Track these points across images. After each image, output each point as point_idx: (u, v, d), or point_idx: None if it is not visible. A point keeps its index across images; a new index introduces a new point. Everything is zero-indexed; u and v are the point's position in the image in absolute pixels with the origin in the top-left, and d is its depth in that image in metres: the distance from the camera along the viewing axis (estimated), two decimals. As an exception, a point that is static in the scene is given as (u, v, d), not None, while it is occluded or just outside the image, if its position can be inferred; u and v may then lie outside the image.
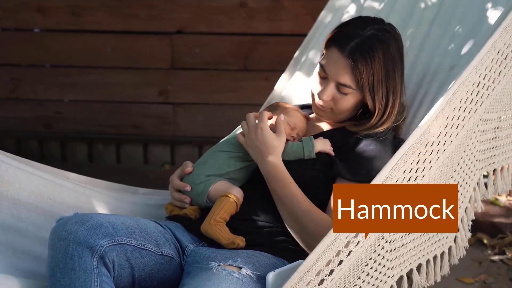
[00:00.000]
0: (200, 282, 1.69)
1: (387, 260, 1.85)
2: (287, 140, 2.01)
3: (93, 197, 2.17)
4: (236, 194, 1.96)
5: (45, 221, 1.98)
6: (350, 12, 2.55)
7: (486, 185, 2.14)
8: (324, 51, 2.03)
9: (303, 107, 2.25)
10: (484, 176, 2.13)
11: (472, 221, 3.25)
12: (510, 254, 3.13)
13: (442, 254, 2.05)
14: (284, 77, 2.58)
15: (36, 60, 3.86)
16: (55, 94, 3.89)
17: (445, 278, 2.94)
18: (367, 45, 1.94)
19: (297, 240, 1.94)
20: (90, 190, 2.17)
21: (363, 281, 1.79)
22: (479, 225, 3.30)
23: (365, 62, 1.93)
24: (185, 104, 3.84)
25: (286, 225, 1.95)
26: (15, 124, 3.94)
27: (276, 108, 2.12)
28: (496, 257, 3.13)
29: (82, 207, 2.10)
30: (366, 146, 1.98)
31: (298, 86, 2.54)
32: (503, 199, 3.48)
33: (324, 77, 2.01)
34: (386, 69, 1.96)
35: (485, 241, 3.22)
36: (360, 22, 2.01)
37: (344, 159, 1.98)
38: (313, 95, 2.07)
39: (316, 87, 2.04)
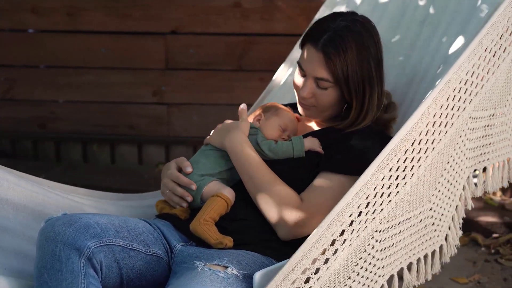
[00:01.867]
0: (185, 281, 1.69)
1: (378, 259, 1.85)
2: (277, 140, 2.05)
3: (82, 202, 2.17)
4: (227, 194, 1.96)
5: (33, 220, 1.97)
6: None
7: (476, 183, 2.13)
8: (301, 50, 2.06)
9: (295, 105, 2.27)
10: (474, 176, 2.13)
11: (467, 220, 3.27)
12: (504, 253, 3.13)
13: (433, 253, 2.05)
14: (278, 74, 2.60)
15: (31, 60, 3.86)
16: (50, 94, 3.89)
17: (439, 278, 2.95)
18: (339, 37, 1.97)
19: (266, 217, 1.95)
20: (76, 197, 2.18)
21: (354, 281, 1.79)
22: (474, 225, 3.30)
23: (337, 53, 1.95)
24: (180, 104, 3.84)
25: (255, 203, 1.96)
26: (10, 124, 3.94)
27: (269, 109, 2.14)
28: (490, 257, 3.12)
29: (72, 205, 2.09)
30: (351, 141, 2.00)
31: (291, 84, 2.55)
32: (497, 199, 3.49)
33: (303, 75, 2.04)
34: (360, 59, 1.97)
35: (479, 241, 3.22)
36: (331, 17, 2.04)
37: (331, 154, 2.00)
38: (297, 94, 2.10)
39: (297, 86, 2.07)
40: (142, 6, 3.72)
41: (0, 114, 3.93)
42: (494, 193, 3.52)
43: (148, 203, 2.32)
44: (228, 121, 2.10)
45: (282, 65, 2.62)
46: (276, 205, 1.92)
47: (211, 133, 2.11)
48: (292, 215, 1.90)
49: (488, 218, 3.30)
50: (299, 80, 2.06)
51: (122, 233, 1.80)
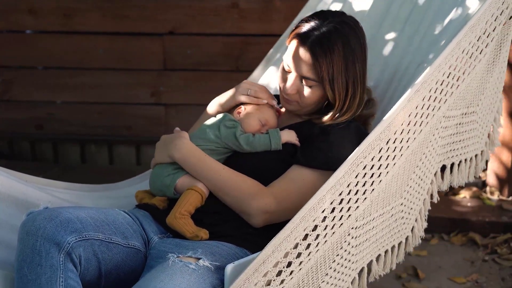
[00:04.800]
0: (156, 274, 1.71)
1: (353, 255, 1.90)
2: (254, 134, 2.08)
3: (59, 196, 2.18)
4: (201, 187, 2.00)
5: (17, 210, 2.01)
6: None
7: (442, 177, 2.17)
8: (288, 46, 2.08)
9: (278, 97, 2.30)
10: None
11: (465, 220, 3.28)
12: (502, 253, 3.13)
13: (399, 244, 2.10)
14: (258, 70, 2.62)
15: (28, 61, 3.85)
16: (47, 95, 3.89)
17: (437, 277, 2.95)
18: (326, 38, 1.99)
19: (235, 210, 1.98)
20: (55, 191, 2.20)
21: (331, 276, 1.84)
22: (471, 225, 3.31)
23: (324, 54, 1.98)
24: (177, 105, 3.85)
25: (221, 200, 2.00)
26: (7, 125, 3.94)
27: None
28: (488, 257, 3.13)
29: (50, 199, 2.11)
30: (327, 136, 2.02)
31: (271, 79, 2.59)
32: (495, 199, 3.49)
33: (288, 71, 2.07)
34: (346, 61, 2.00)
35: (477, 241, 3.23)
36: (320, 16, 2.07)
37: (305, 147, 2.03)
38: (280, 89, 2.12)
39: (282, 81, 2.10)
40: (139, 7, 3.71)
41: (-2, 115, 3.93)
42: (492, 193, 3.53)
43: (125, 193, 2.35)
44: (164, 136, 2.12)
45: (262, 62, 2.65)
46: (240, 197, 1.95)
47: (154, 155, 2.13)
48: (257, 202, 1.94)
49: (486, 218, 3.31)
50: (284, 75, 2.09)
51: (101, 226, 1.84)
